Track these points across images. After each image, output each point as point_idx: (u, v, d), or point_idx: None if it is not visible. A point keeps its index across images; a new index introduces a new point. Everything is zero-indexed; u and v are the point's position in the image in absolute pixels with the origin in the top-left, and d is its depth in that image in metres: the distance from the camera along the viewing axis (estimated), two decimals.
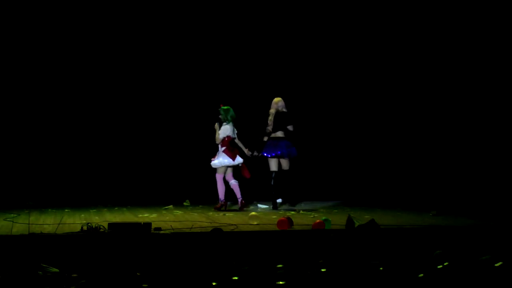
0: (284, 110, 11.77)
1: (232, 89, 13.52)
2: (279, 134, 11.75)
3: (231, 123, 11.42)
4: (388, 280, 6.19)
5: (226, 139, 11.37)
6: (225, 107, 11.45)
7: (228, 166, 11.40)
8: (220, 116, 11.44)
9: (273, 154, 11.68)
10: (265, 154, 11.75)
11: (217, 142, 11.39)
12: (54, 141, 12.82)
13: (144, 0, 13.17)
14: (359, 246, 7.55)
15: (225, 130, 11.39)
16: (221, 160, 11.33)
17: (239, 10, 13.57)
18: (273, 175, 11.75)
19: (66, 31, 12.83)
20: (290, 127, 11.74)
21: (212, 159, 11.43)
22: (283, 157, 11.72)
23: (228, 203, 11.61)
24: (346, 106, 13.93)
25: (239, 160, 11.41)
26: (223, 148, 11.36)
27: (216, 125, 11.47)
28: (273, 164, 11.75)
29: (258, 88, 13.50)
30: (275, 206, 11.71)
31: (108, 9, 12.94)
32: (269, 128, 11.73)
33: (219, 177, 11.39)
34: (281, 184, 11.82)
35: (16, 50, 12.66)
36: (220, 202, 11.37)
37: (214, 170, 11.41)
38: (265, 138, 11.80)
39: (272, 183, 11.75)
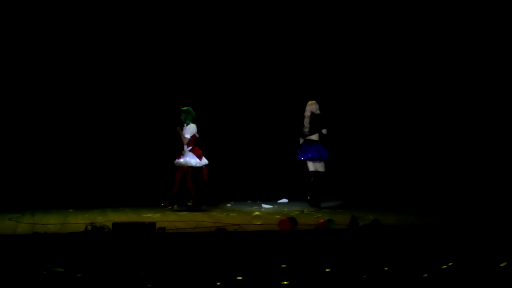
0: (318, 112, 11.88)
1: (267, 91, 13.59)
2: (314, 137, 11.90)
3: (193, 123, 11.47)
4: (393, 280, 6.19)
5: (192, 139, 11.42)
6: (185, 108, 11.52)
7: (192, 166, 11.43)
8: (181, 118, 11.51)
9: (305, 157, 11.86)
10: (299, 156, 11.95)
11: (185, 143, 11.43)
12: (57, 142, 12.80)
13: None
14: (363, 245, 7.54)
15: (191, 129, 11.44)
16: (187, 160, 11.39)
17: (271, 11, 13.58)
18: (312, 174, 11.89)
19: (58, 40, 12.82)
20: (324, 131, 11.85)
21: (177, 158, 11.48)
22: (313, 160, 11.84)
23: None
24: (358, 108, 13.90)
25: (204, 161, 11.47)
26: (189, 148, 11.42)
27: (178, 128, 11.52)
28: (310, 165, 11.92)
29: (291, 91, 13.52)
30: (316, 205, 11.78)
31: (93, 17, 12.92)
32: (305, 130, 11.87)
33: (179, 175, 11.42)
34: (310, 184, 11.95)
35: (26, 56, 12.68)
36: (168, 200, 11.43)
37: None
38: (301, 141, 11.98)
39: (311, 182, 11.90)
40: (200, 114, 13.20)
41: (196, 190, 11.51)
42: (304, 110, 12.09)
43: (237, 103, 13.54)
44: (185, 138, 11.44)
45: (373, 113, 13.86)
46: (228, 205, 12.35)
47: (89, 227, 7.86)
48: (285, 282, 6.15)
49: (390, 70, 13.83)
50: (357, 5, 13.68)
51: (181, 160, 11.43)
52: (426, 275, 6.25)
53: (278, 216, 9.82)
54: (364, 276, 6.42)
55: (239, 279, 6.34)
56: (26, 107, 12.69)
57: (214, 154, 12.57)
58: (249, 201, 13.02)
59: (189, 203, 12.20)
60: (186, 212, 11.01)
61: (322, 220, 8.58)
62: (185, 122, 11.50)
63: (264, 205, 12.09)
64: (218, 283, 6.19)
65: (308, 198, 11.94)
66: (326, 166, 12.00)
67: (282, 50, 13.70)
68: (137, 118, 13.13)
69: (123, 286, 6.28)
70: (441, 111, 13.70)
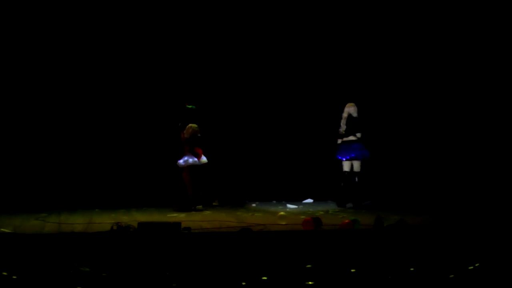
0: (355, 115, 11.89)
1: (296, 92, 13.62)
2: (351, 137, 11.92)
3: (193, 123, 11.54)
4: (419, 280, 6.16)
5: (190, 138, 11.48)
6: (190, 106, 11.56)
7: (193, 165, 11.46)
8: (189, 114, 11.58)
9: (348, 157, 11.87)
10: (339, 157, 11.97)
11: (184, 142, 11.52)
12: (84, 144, 12.88)
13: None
14: (388, 246, 7.50)
15: (190, 129, 11.48)
16: (185, 159, 11.42)
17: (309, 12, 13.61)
18: (345, 174, 11.94)
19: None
20: (358, 135, 11.88)
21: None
22: (357, 159, 11.86)
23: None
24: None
25: (203, 159, 11.51)
26: (188, 148, 11.50)
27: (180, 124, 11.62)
28: (346, 165, 11.95)
29: (317, 92, 13.54)
30: (342, 205, 11.83)
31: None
32: (341, 130, 11.90)
33: (186, 177, 11.46)
34: (351, 185, 11.95)
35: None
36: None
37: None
38: (339, 141, 11.99)
39: (342, 184, 11.95)
40: (228, 114, 13.26)
41: (194, 191, 11.51)
42: (341, 111, 12.11)
43: (266, 104, 13.54)
44: (184, 137, 11.49)
45: (398, 116, 13.78)
46: (253, 205, 12.36)
47: (115, 227, 7.89)
48: (310, 283, 6.14)
49: (415, 72, 13.74)
50: (393, 8, 13.61)
51: (180, 161, 11.47)
52: (452, 276, 6.21)
53: (303, 216, 9.80)
54: (390, 277, 6.39)
55: (264, 279, 6.34)
56: (53, 110, 12.79)
57: (240, 154, 12.61)
58: (274, 201, 13.02)
59: (214, 203, 12.25)
60: (211, 212, 11.03)
61: (346, 221, 8.55)
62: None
63: (289, 205, 12.09)
64: (243, 283, 6.18)
65: (355, 202, 11.90)
66: (362, 167, 12.01)
67: (323, 51, 13.69)
68: (163, 119, 13.17)
69: (148, 285, 6.30)
70: (461, 112, 13.61)
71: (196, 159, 11.42)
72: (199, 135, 11.52)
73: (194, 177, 11.44)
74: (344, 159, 11.92)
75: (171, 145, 12.32)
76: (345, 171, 11.96)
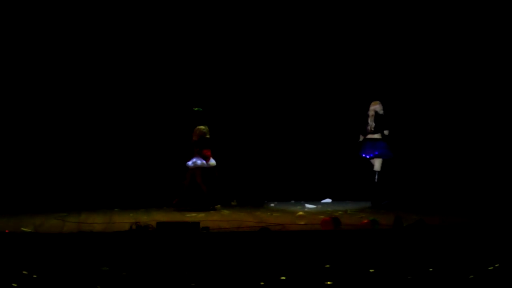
0: (382, 112, 11.88)
1: (314, 92, 13.63)
2: (377, 135, 11.87)
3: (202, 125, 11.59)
4: (438, 281, 6.13)
5: (200, 140, 11.52)
6: (197, 109, 11.61)
7: (202, 167, 11.49)
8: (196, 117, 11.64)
9: (371, 155, 11.81)
10: (363, 155, 11.91)
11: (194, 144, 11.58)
12: (104, 145, 12.93)
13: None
14: (407, 246, 7.47)
15: (198, 131, 11.53)
16: (194, 161, 11.45)
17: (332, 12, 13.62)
18: (376, 174, 11.89)
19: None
20: (386, 132, 11.83)
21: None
22: (380, 157, 11.84)
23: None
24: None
25: (212, 161, 11.54)
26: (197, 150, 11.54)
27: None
28: (377, 164, 11.90)
29: (349, 91, 13.53)
30: (376, 205, 11.76)
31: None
32: (370, 127, 11.87)
33: (198, 178, 11.51)
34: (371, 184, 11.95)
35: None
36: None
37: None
38: (361, 138, 11.96)
39: (375, 182, 11.90)
40: (248, 114, 13.25)
41: (189, 191, 11.57)
42: (359, 110, 12.11)
43: (287, 104, 13.53)
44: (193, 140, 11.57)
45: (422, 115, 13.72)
46: (272, 205, 12.36)
47: (134, 226, 7.93)
48: (328, 282, 6.13)
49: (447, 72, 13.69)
50: (422, 5, 13.57)
51: (189, 162, 11.51)
52: (472, 276, 6.17)
53: (321, 216, 9.79)
54: (410, 277, 6.37)
55: (283, 279, 6.33)
56: (76, 112, 12.85)
57: (259, 154, 12.60)
58: (293, 201, 13.01)
59: (233, 203, 12.27)
60: (229, 212, 11.05)
61: (365, 220, 8.53)
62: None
63: (307, 205, 12.08)
64: (262, 283, 6.18)
65: (374, 201, 11.85)
66: (384, 166, 11.96)
67: (344, 50, 13.67)
68: (186, 121, 13.20)
69: (167, 285, 6.32)
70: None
71: (204, 161, 11.46)
72: (208, 136, 11.56)
73: (203, 179, 11.49)
74: (368, 156, 11.88)
75: (182, 146, 12.36)
76: (376, 171, 11.90)
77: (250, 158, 13.31)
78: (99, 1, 12.85)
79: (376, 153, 11.80)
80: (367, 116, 11.92)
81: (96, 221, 9.50)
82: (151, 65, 13.11)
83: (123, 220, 9.48)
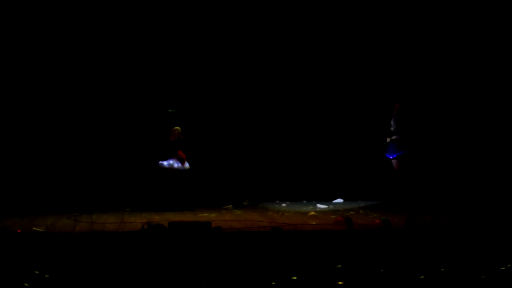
0: (406, 115, 11.89)
1: (330, 93, 13.63)
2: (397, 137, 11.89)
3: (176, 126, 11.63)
4: (450, 281, 6.11)
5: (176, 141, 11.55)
6: (171, 110, 11.67)
7: (176, 169, 11.52)
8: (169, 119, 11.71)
9: (395, 156, 11.81)
10: (387, 155, 11.93)
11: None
12: (115, 147, 12.97)
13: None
14: (419, 246, 7.46)
15: (174, 132, 11.56)
16: (171, 163, 11.49)
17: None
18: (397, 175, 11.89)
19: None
20: (394, 137, 11.84)
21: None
22: (400, 157, 11.84)
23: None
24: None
25: (186, 165, 11.59)
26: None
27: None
28: (395, 165, 11.90)
29: (363, 93, 13.52)
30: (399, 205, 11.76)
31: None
32: (392, 129, 11.89)
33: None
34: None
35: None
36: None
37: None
38: (388, 139, 11.96)
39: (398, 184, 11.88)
40: (259, 115, 13.24)
41: (176, 192, 11.60)
42: (374, 112, 12.17)
43: (299, 104, 13.52)
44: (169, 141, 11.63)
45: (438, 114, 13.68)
46: (283, 205, 12.35)
47: (146, 226, 7.94)
48: (340, 282, 6.12)
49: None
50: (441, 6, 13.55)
51: (165, 163, 11.57)
52: (484, 276, 6.15)
53: (333, 216, 9.77)
54: (421, 277, 6.36)
55: (294, 279, 6.33)
56: (87, 114, 12.89)
57: (271, 155, 12.59)
58: (304, 201, 13.00)
59: (245, 203, 12.27)
60: (242, 212, 11.05)
61: (377, 221, 8.51)
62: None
63: (319, 205, 12.06)
64: (273, 283, 6.18)
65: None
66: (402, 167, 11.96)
67: (364, 52, 13.67)
68: (194, 121, 13.22)
69: (178, 284, 6.33)
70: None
71: (181, 164, 11.50)
72: (182, 137, 11.61)
73: (176, 181, 11.58)
74: (391, 157, 11.89)
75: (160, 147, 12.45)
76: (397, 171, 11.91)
77: (263, 158, 13.31)
78: (94, 2, 12.87)
79: (400, 153, 11.81)
80: (392, 117, 11.98)
81: (108, 221, 9.52)
82: (161, 61, 13.15)
83: (135, 220, 9.50)
